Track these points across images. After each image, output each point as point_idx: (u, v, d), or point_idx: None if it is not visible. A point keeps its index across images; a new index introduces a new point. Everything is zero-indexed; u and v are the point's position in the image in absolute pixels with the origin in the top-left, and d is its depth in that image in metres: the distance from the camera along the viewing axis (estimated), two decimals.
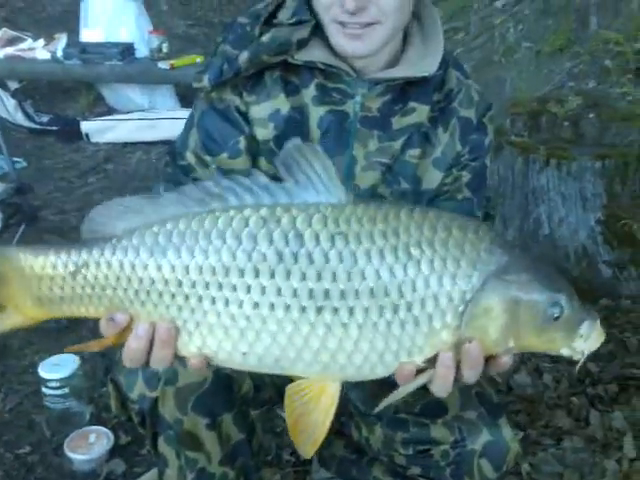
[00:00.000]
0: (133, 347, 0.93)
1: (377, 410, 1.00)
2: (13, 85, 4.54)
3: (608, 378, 2.06)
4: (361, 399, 1.22)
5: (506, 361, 0.92)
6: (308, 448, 0.92)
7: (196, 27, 6.64)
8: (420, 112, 1.21)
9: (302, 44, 1.16)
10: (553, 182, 2.49)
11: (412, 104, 1.21)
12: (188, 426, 1.20)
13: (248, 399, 1.29)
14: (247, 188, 0.90)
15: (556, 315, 0.88)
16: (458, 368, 0.91)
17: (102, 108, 4.63)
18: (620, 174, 2.45)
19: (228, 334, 0.89)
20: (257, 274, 0.87)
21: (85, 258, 0.92)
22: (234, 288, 0.87)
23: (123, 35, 4.53)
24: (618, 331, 2.27)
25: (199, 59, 4.49)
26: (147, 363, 0.95)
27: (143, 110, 4.44)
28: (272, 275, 0.86)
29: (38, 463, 1.86)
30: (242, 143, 1.20)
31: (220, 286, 0.88)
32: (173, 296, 0.90)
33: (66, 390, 1.96)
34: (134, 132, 4.19)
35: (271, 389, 1.35)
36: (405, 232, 0.88)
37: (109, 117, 4.37)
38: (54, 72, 4.44)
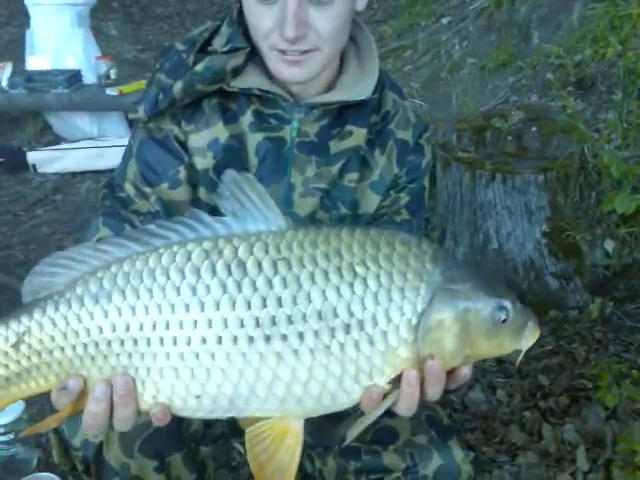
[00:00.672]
0: (93, 411, 0.89)
1: (347, 442, 0.98)
2: None
3: (559, 390, 2.08)
4: (309, 432, 1.20)
5: (466, 373, 0.93)
6: None
7: (147, 51, 6.61)
8: (357, 135, 1.21)
9: (237, 71, 1.15)
10: (499, 196, 2.52)
11: (349, 127, 1.21)
12: (135, 471, 1.16)
13: (198, 437, 1.26)
14: (188, 225, 0.90)
15: (503, 318, 0.90)
16: (421, 386, 0.90)
17: (49, 137, 4.56)
18: (562, 186, 2.50)
19: (179, 376, 0.87)
20: (202, 307, 0.86)
21: (26, 323, 0.89)
22: (181, 325, 0.86)
23: (70, 62, 4.47)
24: (566, 342, 2.29)
25: None
26: (110, 426, 0.91)
27: (92, 138, 4.37)
28: (217, 307, 0.85)
29: None
30: (182, 173, 1.19)
31: (167, 324, 0.86)
32: (122, 342, 0.87)
33: (11, 436, 1.89)
34: (83, 161, 4.12)
35: (222, 423, 1.32)
36: (348, 251, 0.87)
37: (56, 147, 4.30)
38: None
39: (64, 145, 4.31)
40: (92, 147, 4.19)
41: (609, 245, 2.58)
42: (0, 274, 2.91)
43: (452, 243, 2.65)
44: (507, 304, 0.91)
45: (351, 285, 0.86)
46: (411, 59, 5.06)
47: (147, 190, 1.18)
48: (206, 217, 0.90)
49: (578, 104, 3.17)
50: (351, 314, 0.85)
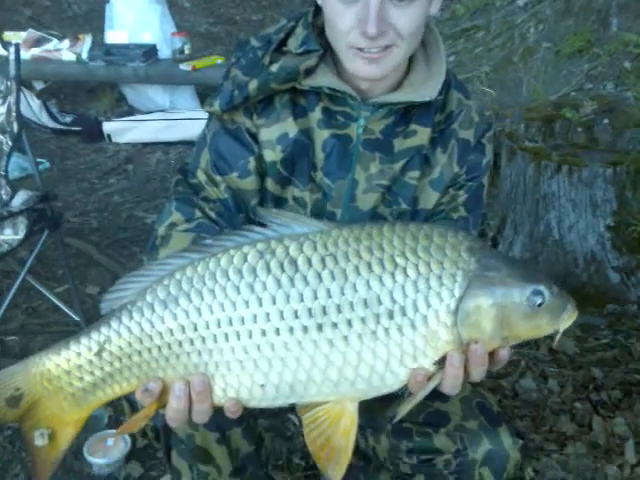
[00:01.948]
0: (174, 407, 0.97)
1: (397, 419, 1.04)
2: (39, 85, 4.65)
3: (612, 384, 2.08)
4: (361, 414, 1.26)
5: (504, 354, 0.97)
6: (336, 472, 0.96)
7: (218, 25, 6.70)
8: (421, 134, 1.24)
9: (309, 72, 1.20)
10: (564, 188, 2.50)
11: (414, 126, 1.24)
12: (199, 441, 1.24)
13: (256, 412, 1.33)
14: (242, 235, 0.98)
15: (539, 302, 0.94)
16: (465, 367, 0.96)
17: (124, 108, 4.72)
18: (631, 180, 2.45)
19: (244, 368, 0.95)
20: (260, 303, 0.93)
21: (105, 333, 0.97)
22: (242, 320, 0.94)
23: (146, 37, 4.61)
24: (623, 337, 2.28)
25: (220, 60, 4.56)
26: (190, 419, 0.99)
27: (164, 110, 4.51)
28: (274, 301, 0.93)
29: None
30: (252, 163, 1.24)
31: (230, 321, 0.94)
32: (192, 342, 0.95)
33: None
34: (154, 132, 4.27)
35: None
36: (389, 245, 0.94)
37: (130, 118, 4.45)
38: (79, 73, 4.53)
39: (137, 116, 4.47)
40: (163, 119, 4.34)
41: None
42: (76, 239, 3.08)
43: (512, 232, 2.64)
44: (543, 289, 0.95)
45: (392, 275, 0.93)
46: (483, 40, 4.95)
47: (218, 178, 1.24)
48: (257, 227, 0.99)
49: None
50: (394, 301, 0.92)
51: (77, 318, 2.43)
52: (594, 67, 3.66)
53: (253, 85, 1.20)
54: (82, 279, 2.78)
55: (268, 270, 0.94)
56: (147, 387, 0.97)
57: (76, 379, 0.98)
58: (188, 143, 4.20)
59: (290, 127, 1.23)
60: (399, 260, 0.93)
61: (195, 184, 1.26)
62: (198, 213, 1.23)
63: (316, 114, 1.23)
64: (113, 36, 4.62)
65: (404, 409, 1.00)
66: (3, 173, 2.55)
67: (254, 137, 1.24)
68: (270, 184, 1.25)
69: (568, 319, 0.97)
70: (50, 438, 1.00)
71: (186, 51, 4.52)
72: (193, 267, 0.96)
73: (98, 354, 0.97)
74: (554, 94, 3.55)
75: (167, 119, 4.33)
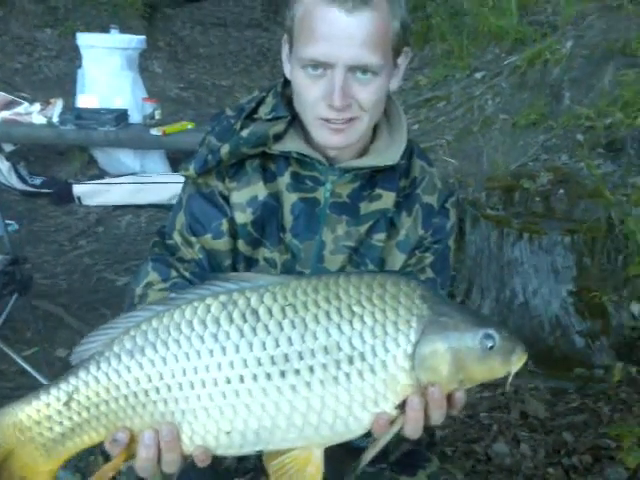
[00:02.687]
0: (144, 457, 0.99)
1: (362, 465, 1.07)
2: (8, 147, 4.67)
3: (582, 449, 2.13)
4: (329, 472, 1.29)
5: (460, 397, 1.02)
6: None
7: (189, 90, 6.86)
8: (386, 198, 1.31)
9: (278, 137, 1.28)
10: (526, 255, 2.61)
11: (379, 190, 1.32)
12: None
13: (231, 471, 1.35)
14: (204, 288, 1.03)
15: (490, 345, 0.99)
16: (425, 411, 1.00)
17: (94, 171, 4.75)
18: (589, 248, 2.58)
19: (210, 415, 0.97)
20: (224, 351, 0.97)
21: (74, 383, 1.00)
22: (207, 368, 0.97)
23: (118, 102, 4.69)
24: (592, 401, 2.34)
25: (190, 126, 4.66)
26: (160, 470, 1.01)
27: (134, 174, 4.57)
28: (237, 350, 0.97)
29: None
30: (224, 225, 1.30)
31: (195, 369, 0.97)
32: (157, 390, 0.98)
33: None
34: (125, 195, 4.31)
35: (254, 457, 1.41)
36: (345, 294, 0.99)
37: (101, 181, 4.49)
38: (49, 137, 4.55)
39: (107, 179, 4.51)
40: (134, 182, 4.39)
41: (635, 308, 2.64)
42: (45, 302, 3.05)
43: (479, 297, 2.73)
44: (493, 332, 1.00)
45: (350, 322, 0.97)
46: (444, 111, 5.18)
47: (192, 239, 1.30)
48: (219, 281, 1.04)
49: (608, 166, 3.26)
50: (353, 347, 0.97)
51: (45, 382, 2.40)
52: (549, 139, 3.87)
53: (225, 149, 1.27)
54: (51, 342, 2.77)
55: (231, 320, 0.98)
56: (115, 437, 0.98)
57: (46, 429, 1.00)
58: (158, 206, 4.25)
59: (260, 190, 1.29)
60: (356, 308, 0.98)
61: (171, 245, 1.32)
62: (174, 273, 1.27)
63: (285, 178, 1.30)
64: (84, 100, 4.69)
65: (368, 455, 1.04)
66: None
67: (226, 200, 1.30)
68: (242, 245, 1.30)
69: (518, 361, 1.02)
70: None
71: (157, 116, 4.61)
72: (159, 318, 0.99)
73: (67, 404, 0.99)
74: (512, 164, 3.73)
75: (137, 182, 4.38)
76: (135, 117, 4.66)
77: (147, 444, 0.99)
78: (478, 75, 5.35)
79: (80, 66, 4.86)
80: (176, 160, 4.84)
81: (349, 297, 0.99)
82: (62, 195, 4.34)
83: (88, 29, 6.42)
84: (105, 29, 5.65)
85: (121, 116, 4.52)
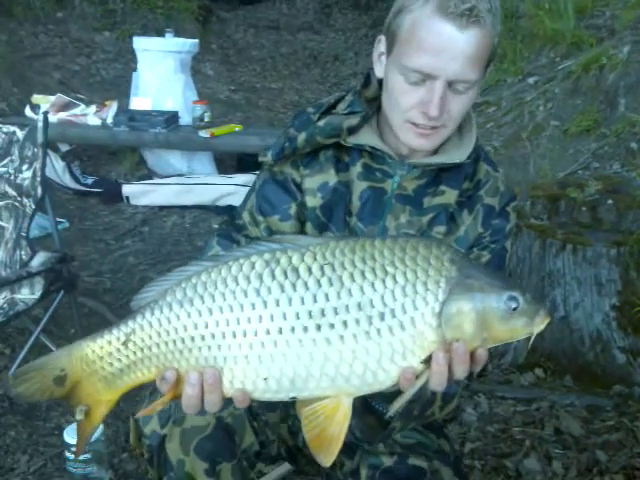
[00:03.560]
0: (189, 394, 1.07)
1: (390, 413, 1.15)
2: (64, 148, 4.82)
3: (616, 468, 2.06)
4: (359, 427, 1.31)
5: (482, 353, 1.05)
6: (327, 458, 1.06)
7: (239, 92, 6.95)
8: (449, 195, 1.36)
9: (352, 130, 1.34)
10: (569, 266, 2.54)
11: (443, 187, 1.37)
12: (189, 468, 1.31)
13: (251, 454, 1.39)
14: (251, 247, 1.10)
15: (514, 307, 1.03)
16: (449, 366, 1.04)
17: (143, 171, 4.86)
18: (635, 261, 2.49)
19: (249, 362, 1.05)
20: (265, 305, 1.04)
21: (131, 325, 1.10)
22: (249, 320, 1.04)
23: (169, 104, 4.80)
24: (629, 419, 2.27)
25: (237, 128, 4.72)
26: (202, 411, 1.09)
27: (181, 175, 4.65)
28: (277, 304, 1.04)
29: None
30: (293, 209, 1.38)
31: (238, 320, 1.05)
32: (203, 338, 1.06)
33: (88, 455, 2.04)
34: (171, 196, 4.39)
35: (278, 445, 1.45)
36: (380, 255, 1.06)
37: (149, 181, 4.59)
38: (103, 138, 4.70)
39: (156, 180, 4.61)
40: (180, 184, 4.46)
41: None
42: (89, 299, 3.14)
43: None
44: (517, 295, 1.04)
45: (383, 281, 1.03)
46: (494, 116, 5.09)
47: (260, 218, 1.38)
48: (264, 242, 1.11)
49: None
50: (384, 304, 1.02)
51: None
52: (601, 147, 3.75)
53: (301, 137, 1.35)
54: None
55: (273, 276, 1.05)
56: (164, 376, 1.08)
57: (107, 364, 1.12)
58: (203, 208, 4.31)
59: (331, 177, 1.37)
60: (389, 268, 1.04)
61: (239, 224, 1.41)
62: (235, 247, 1.35)
63: (357, 168, 1.37)
64: (138, 102, 4.82)
65: (396, 405, 1.09)
66: (24, 234, 2.65)
67: (299, 187, 1.38)
68: (309, 228, 1.37)
69: (540, 323, 1.05)
70: (86, 414, 1.14)
71: (206, 119, 4.69)
72: (207, 273, 1.08)
73: (124, 344, 1.10)
74: (561, 172, 3.63)
75: (184, 184, 4.46)
76: (185, 119, 4.77)
77: (192, 383, 1.07)
78: (531, 80, 5.24)
79: (135, 69, 4.98)
80: (223, 162, 4.91)
81: (383, 258, 1.05)
82: (112, 195, 4.46)
83: (145, 32, 6.61)
84: (161, 32, 5.81)
85: (171, 118, 4.62)
